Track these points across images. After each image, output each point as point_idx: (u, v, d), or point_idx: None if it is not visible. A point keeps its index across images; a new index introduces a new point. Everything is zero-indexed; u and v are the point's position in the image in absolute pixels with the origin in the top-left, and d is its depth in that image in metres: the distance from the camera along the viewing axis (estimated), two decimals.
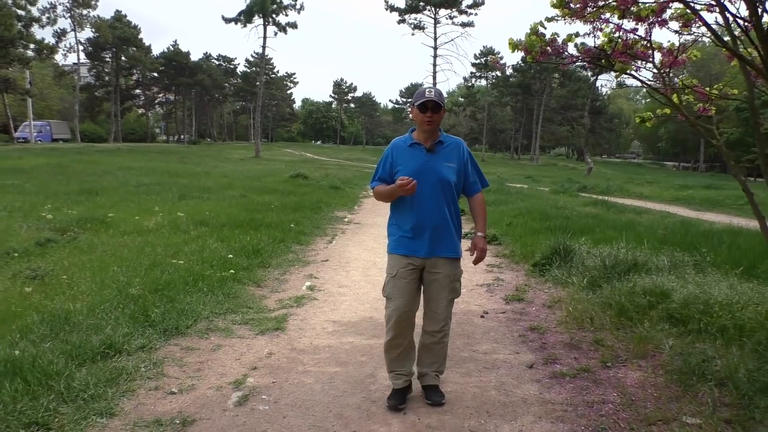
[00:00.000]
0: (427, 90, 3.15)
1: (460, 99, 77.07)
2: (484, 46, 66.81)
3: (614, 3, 4.35)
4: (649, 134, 72.54)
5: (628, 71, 4.47)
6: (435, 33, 49.56)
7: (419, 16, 49.28)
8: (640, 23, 4.48)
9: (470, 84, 67.89)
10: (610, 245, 6.44)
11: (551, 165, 56.99)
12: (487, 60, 60.85)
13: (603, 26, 4.54)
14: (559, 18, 4.37)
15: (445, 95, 3.11)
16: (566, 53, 4.68)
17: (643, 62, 4.67)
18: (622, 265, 5.74)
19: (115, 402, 3.23)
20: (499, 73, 62.99)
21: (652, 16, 4.40)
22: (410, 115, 3.31)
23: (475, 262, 3.30)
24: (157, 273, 5.66)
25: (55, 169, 18.58)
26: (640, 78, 4.56)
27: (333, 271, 6.81)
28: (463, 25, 50.16)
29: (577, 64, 5.01)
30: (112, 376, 3.48)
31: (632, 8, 4.38)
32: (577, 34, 4.79)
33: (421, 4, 47.99)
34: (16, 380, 3.18)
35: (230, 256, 6.69)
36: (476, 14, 49.06)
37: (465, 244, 3.40)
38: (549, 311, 5.18)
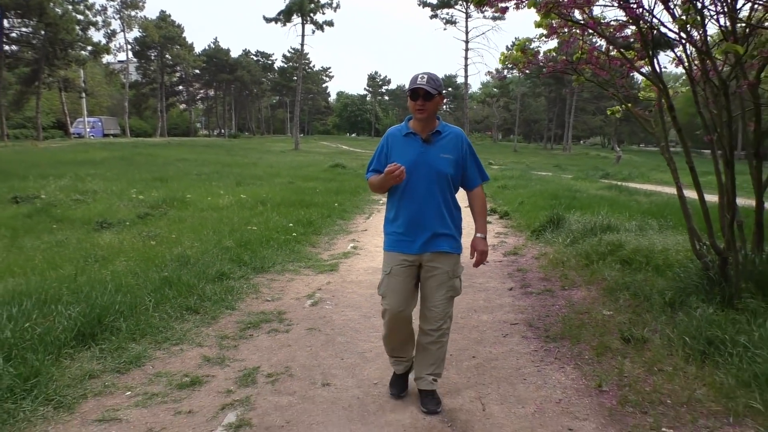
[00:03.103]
0: (419, 77, 2.91)
1: (493, 90, 78.00)
2: (516, 38, 67.39)
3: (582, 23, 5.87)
4: (687, 123, 71.88)
5: (587, 78, 6.02)
6: (466, 27, 50.73)
7: (451, 10, 50.55)
8: (603, 39, 6.01)
9: (503, 75, 68.56)
10: (591, 213, 7.99)
11: (583, 154, 57.56)
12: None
13: (574, 43, 6.09)
14: (536, 40, 5.95)
15: (441, 81, 3.00)
16: (545, 64, 6.27)
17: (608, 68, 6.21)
18: (598, 228, 7.31)
19: (233, 303, 5.03)
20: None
21: (611, 34, 5.94)
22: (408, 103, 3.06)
23: (476, 264, 3.14)
24: (237, 235, 7.48)
25: (121, 161, 20.85)
26: (597, 82, 6.11)
27: (371, 237, 8.54)
28: (494, 18, 51.08)
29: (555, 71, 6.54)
30: (227, 290, 5.28)
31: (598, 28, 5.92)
32: (555, 50, 6.41)
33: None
34: (172, 288, 4.99)
35: (290, 225, 8.49)
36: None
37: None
38: (535, 260, 6.80)
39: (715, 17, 4.16)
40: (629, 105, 6.18)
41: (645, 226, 7.46)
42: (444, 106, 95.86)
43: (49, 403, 3.12)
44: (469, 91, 63.30)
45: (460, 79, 62.58)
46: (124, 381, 3.48)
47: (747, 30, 4.34)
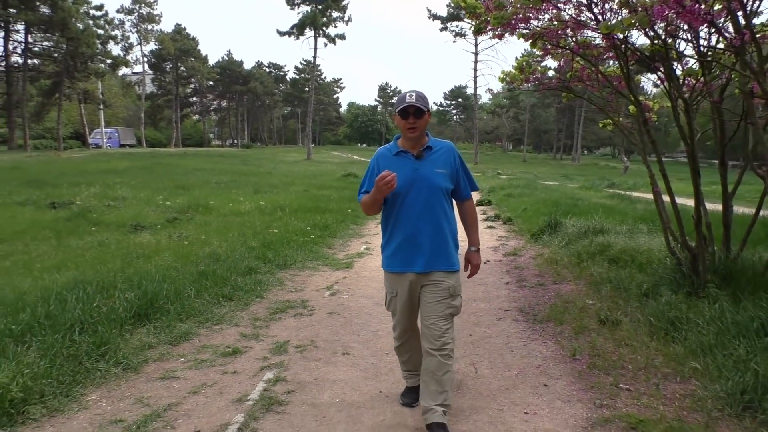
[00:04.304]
0: (407, 95, 2.91)
1: (503, 100, 78.72)
2: (525, 50, 68.16)
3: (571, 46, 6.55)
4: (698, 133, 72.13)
5: (578, 95, 6.69)
6: (475, 39, 51.47)
7: (460, 23, 51.42)
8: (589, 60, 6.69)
9: (512, 86, 69.31)
10: (586, 219, 8.64)
11: (592, 165, 57.99)
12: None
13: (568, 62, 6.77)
14: (531, 62, 6.64)
15: (427, 99, 2.99)
16: (541, 81, 6.95)
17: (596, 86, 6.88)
18: (591, 231, 7.95)
19: (261, 293, 5.74)
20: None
21: (597, 56, 6.61)
22: (395, 121, 3.08)
23: (470, 276, 3.27)
24: (260, 237, 8.20)
25: (142, 170, 21.71)
26: (585, 98, 6.77)
27: None
28: None
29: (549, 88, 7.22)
30: (256, 282, 6.00)
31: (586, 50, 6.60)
32: (548, 68, 7.10)
33: (462, 12, 50.05)
34: (208, 280, 5.70)
35: (308, 228, 9.21)
36: None
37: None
38: (532, 260, 7.46)
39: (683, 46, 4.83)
40: (620, 119, 6.86)
41: (635, 229, 8.08)
42: (454, 117, 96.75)
43: (119, 365, 3.83)
44: (479, 102, 64.09)
45: (470, 90, 63.56)
46: (176, 351, 4.18)
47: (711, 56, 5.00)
